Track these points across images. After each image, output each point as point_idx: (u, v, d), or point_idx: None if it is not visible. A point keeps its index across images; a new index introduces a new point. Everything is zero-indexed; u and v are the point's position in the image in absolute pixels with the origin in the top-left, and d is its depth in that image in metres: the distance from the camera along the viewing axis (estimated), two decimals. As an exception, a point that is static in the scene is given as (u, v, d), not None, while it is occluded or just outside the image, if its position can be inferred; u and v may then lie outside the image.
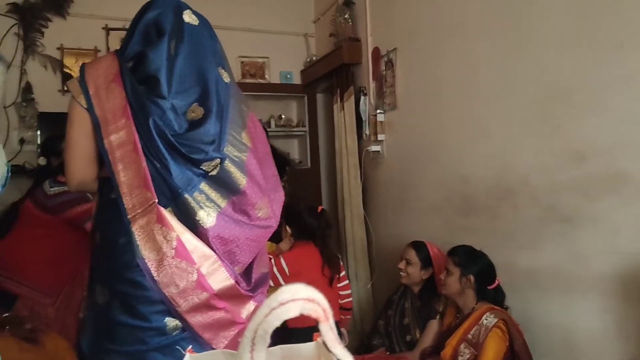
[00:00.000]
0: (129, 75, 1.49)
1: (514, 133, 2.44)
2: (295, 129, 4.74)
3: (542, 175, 2.29)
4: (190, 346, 1.38)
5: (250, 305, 1.60)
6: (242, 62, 4.49)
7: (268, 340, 0.48)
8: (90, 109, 1.46)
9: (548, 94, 2.25)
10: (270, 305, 0.46)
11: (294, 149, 4.89)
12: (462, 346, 2.19)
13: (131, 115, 1.46)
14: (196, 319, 1.47)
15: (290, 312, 0.46)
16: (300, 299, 0.46)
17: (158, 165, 1.45)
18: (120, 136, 1.45)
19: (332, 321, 0.52)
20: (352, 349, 3.00)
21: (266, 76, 4.59)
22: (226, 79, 1.61)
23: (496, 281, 2.30)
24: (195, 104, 1.52)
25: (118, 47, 1.63)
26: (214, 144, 1.48)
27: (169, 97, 1.48)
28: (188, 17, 1.58)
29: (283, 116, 4.71)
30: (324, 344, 0.53)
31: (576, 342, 2.15)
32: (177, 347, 1.44)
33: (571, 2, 2.13)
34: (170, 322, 1.46)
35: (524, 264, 2.38)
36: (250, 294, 1.59)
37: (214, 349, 1.49)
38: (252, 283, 1.62)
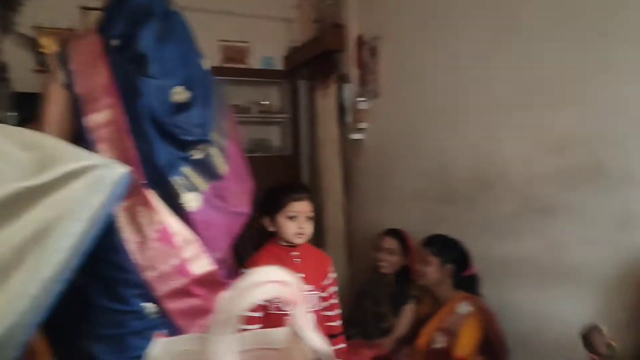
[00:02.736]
0: (116, 53, 1.46)
1: (495, 122, 2.44)
2: (275, 116, 4.69)
3: (521, 166, 2.29)
4: (166, 331, 1.37)
5: None
6: (222, 46, 4.41)
7: (239, 323, 0.46)
8: (70, 85, 1.43)
9: (528, 84, 2.25)
10: (243, 286, 0.45)
11: (274, 136, 4.85)
12: (437, 334, 2.19)
13: (117, 94, 1.43)
14: (173, 305, 1.46)
15: (265, 294, 0.45)
16: (276, 280, 0.45)
17: (144, 146, 1.42)
18: (105, 115, 1.42)
19: (305, 306, 0.50)
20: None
21: (247, 61, 4.52)
22: (205, 66, 1.60)
23: (472, 268, 2.31)
24: (181, 86, 1.50)
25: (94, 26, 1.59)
26: (201, 127, 1.48)
27: (156, 77, 1.45)
28: (172, 3, 1.58)
29: (263, 102, 4.65)
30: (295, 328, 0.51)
31: (550, 332, 2.17)
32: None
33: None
34: (149, 306, 1.45)
35: (500, 254, 2.39)
36: (228, 281, 1.58)
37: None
38: (227, 272, 1.62)
